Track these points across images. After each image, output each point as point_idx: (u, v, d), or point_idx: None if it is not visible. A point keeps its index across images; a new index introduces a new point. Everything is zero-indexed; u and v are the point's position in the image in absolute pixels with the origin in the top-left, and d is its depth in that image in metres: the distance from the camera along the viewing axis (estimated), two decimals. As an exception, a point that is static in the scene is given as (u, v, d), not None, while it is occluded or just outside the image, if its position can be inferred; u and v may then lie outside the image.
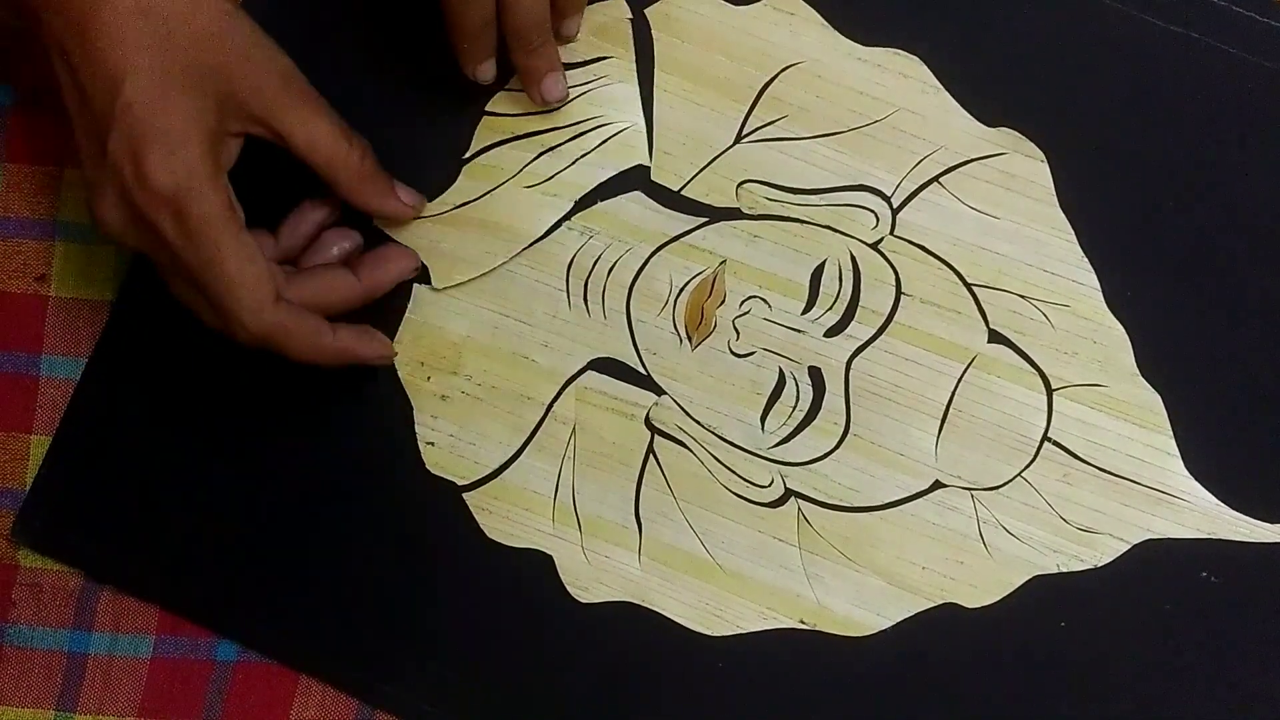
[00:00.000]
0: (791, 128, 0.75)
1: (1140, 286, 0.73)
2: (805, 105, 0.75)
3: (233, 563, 0.76)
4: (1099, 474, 0.72)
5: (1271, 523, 0.72)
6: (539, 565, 0.74)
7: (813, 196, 0.74)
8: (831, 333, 0.74)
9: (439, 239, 0.75)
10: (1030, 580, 0.72)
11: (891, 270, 0.74)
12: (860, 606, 0.73)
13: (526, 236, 0.75)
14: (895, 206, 0.74)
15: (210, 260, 0.68)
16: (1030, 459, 0.73)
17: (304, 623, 0.75)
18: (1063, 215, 0.74)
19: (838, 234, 0.74)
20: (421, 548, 0.75)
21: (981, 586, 0.72)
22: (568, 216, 0.75)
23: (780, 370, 0.74)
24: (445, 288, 0.75)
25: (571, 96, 0.75)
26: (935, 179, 0.74)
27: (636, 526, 0.74)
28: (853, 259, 0.74)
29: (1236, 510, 0.72)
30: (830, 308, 0.74)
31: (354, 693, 0.75)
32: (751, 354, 0.74)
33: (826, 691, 0.73)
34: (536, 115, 0.76)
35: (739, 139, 0.75)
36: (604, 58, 0.76)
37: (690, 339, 0.74)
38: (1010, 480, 0.73)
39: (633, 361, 0.75)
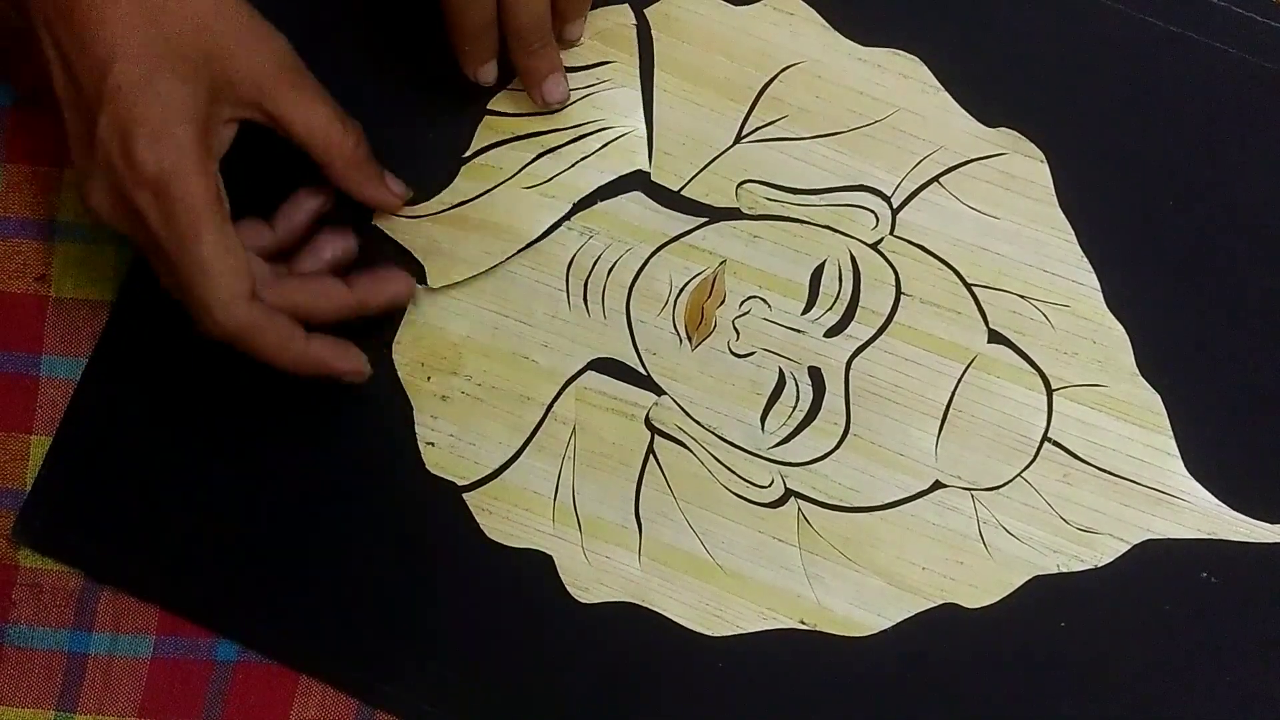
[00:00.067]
0: (791, 128, 0.75)
1: (1140, 286, 0.73)
2: (805, 105, 0.75)
3: (233, 563, 0.76)
4: (1099, 474, 0.72)
5: (1271, 523, 0.72)
6: (539, 565, 0.74)
7: (813, 197, 0.74)
8: (831, 333, 0.74)
9: (436, 238, 0.75)
10: (1030, 580, 0.72)
11: (891, 270, 0.74)
12: (860, 607, 0.73)
13: (524, 237, 0.75)
14: (895, 207, 0.74)
15: (187, 247, 0.67)
16: (1030, 459, 0.73)
17: (304, 623, 0.75)
18: (1062, 215, 0.74)
19: (838, 234, 0.74)
20: (421, 548, 0.75)
21: (981, 586, 0.72)
22: (567, 217, 0.75)
23: (780, 370, 0.74)
24: (440, 286, 0.75)
25: (573, 99, 0.75)
26: (935, 179, 0.74)
27: (636, 527, 0.74)
28: (853, 259, 0.74)
29: (1236, 510, 0.72)
30: (830, 308, 0.74)
31: (354, 693, 0.75)
32: (751, 354, 0.74)
33: (826, 691, 0.73)
34: (538, 116, 0.76)
35: (739, 139, 0.75)
36: (607, 62, 0.76)
37: (690, 339, 0.74)
38: (1010, 480, 0.73)
39: (633, 362, 0.75)
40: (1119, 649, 0.72)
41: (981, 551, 0.73)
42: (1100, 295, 0.73)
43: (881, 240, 0.74)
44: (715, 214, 0.75)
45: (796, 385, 0.74)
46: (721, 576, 0.74)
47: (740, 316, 0.74)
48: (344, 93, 0.72)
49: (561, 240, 0.75)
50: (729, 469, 0.74)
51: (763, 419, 0.74)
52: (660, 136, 0.75)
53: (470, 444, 0.75)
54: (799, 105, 0.75)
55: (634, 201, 0.75)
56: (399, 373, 0.75)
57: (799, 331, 0.74)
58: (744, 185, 0.75)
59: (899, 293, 0.74)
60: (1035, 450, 0.73)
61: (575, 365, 0.75)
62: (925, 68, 0.74)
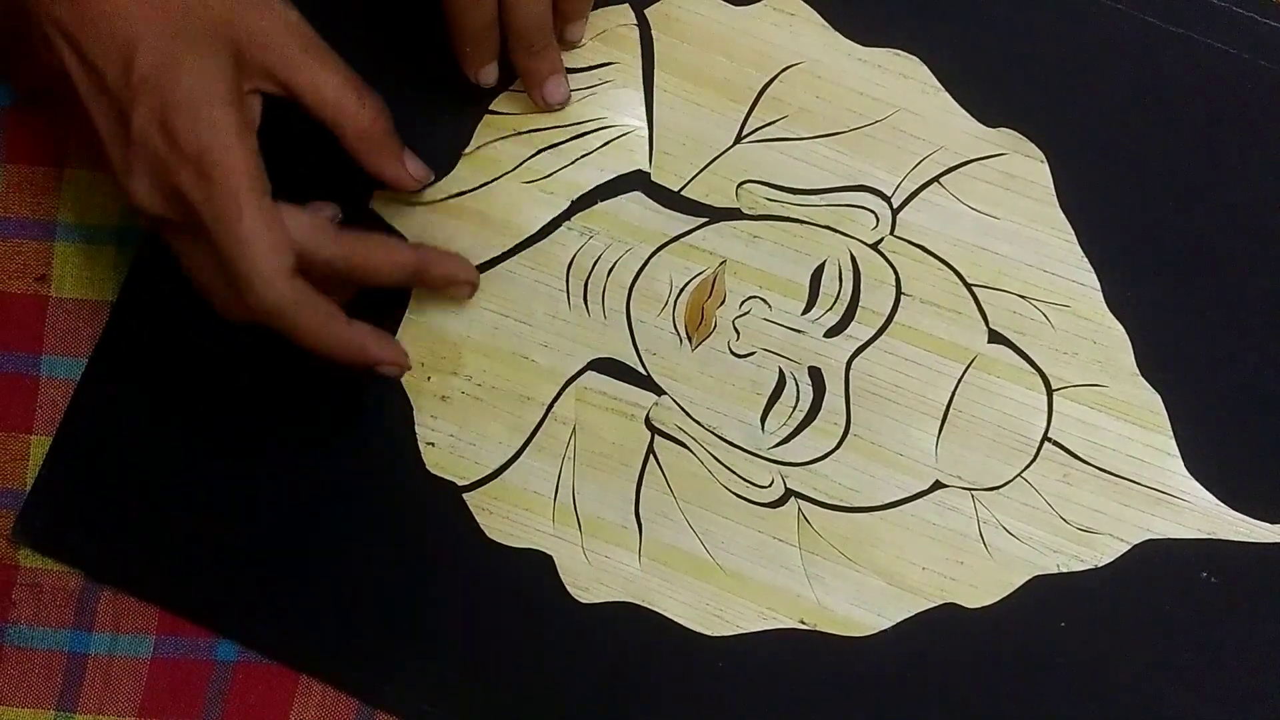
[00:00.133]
0: (792, 128, 0.75)
1: (1140, 286, 0.73)
2: (805, 106, 0.75)
3: (233, 563, 0.76)
4: (1099, 474, 0.73)
5: (1271, 523, 0.72)
6: (539, 565, 0.74)
7: (813, 197, 0.74)
8: (832, 333, 0.74)
9: (432, 226, 0.75)
10: (1030, 580, 0.72)
11: (891, 270, 0.74)
12: (860, 606, 0.73)
13: (520, 232, 0.75)
14: (895, 207, 0.74)
15: (229, 222, 0.66)
16: (1030, 459, 0.73)
17: (304, 623, 0.75)
18: (1063, 215, 0.74)
19: (838, 234, 0.74)
20: (421, 548, 0.75)
21: (981, 587, 0.72)
22: (566, 216, 0.75)
23: (780, 370, 0.74)
24: None
25: (574, 99, 0.75)
26: (935, 179, 0.74)
27: (636, 527, 0.74)
28: (853, 259, 0.74)
29: (1236, 510, 0.72)
30: (830, 308, 0.74)
31: (354, 693, 0.75)
32: (751, 354, 0.74)
33: (826, 691, 0.73)
34: (539, 114, 0.76)
35: (739, 139, 0.75)
36: (608, 63, 0.76)
37: (690, 339, 0.74)
38: (1010, 480, 0.73)
39: (633, 362, 0.75)
40: (1119, 649, 0.72)
41: (981, 551, 0.73)
42: (1100, 295, 0.73)
43: (882, 240, 0.74)
44: (715, 214, 0.75)
45: (796, 385, 0.74)
46: (721, 576, 0.74)
47: (740, 317, 0.74)
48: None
49: (562, 240, 0.75)
50: (729, 469, 0.74)
51: (763, 419, 0.74)
52: (660, 136, 0.75)
53: (470, 444, 0.75)
54: (799, 105, 0.75)
55: (634, 201, 0.75)
56: (399, 373, 0.76)
57: (799, 331, 0.74)
58: (744, 185, 0.75)
59: (899, 293, 0.74)
60: (1035, 450, 0.73)
61: (575, 365, 0.75)
62: (925, 68, 0.74)
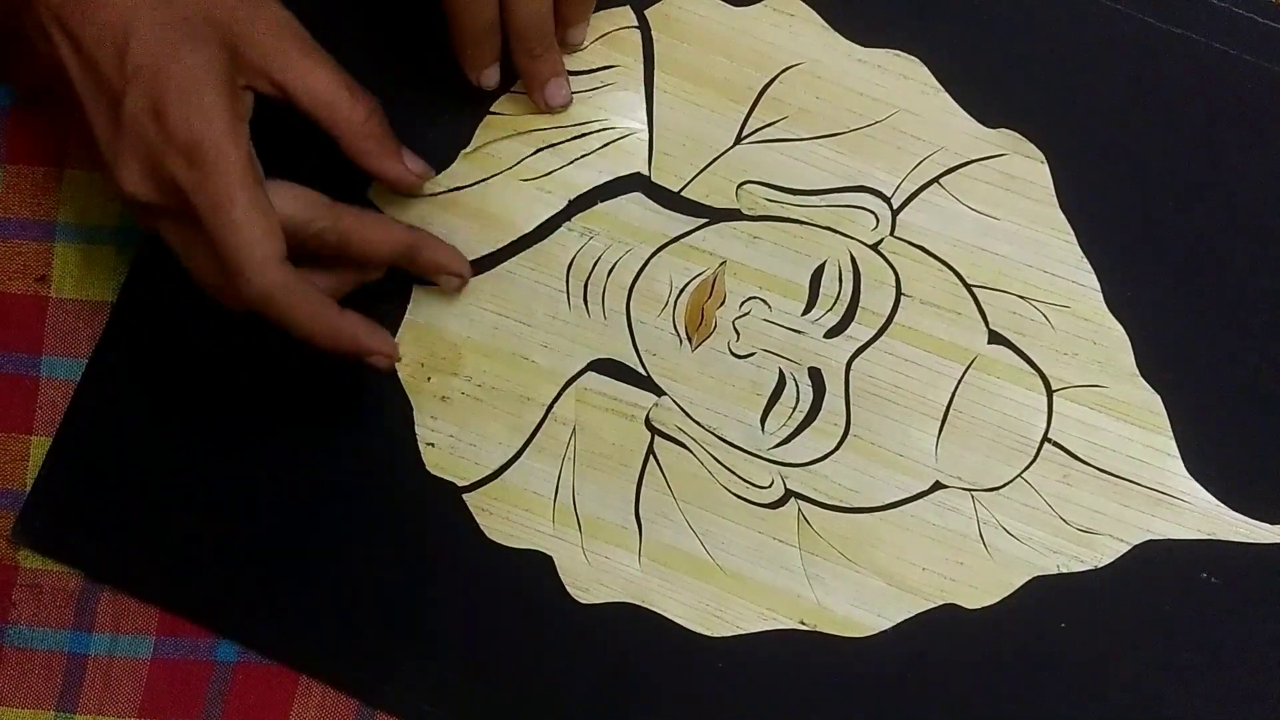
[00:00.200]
0: (792, 129, 0.75)
1: (1140, 286, 0.73)
2: (805, 106, 0.75)
3: (233, 563, 0.76)
4: (1099, 475, 0.73)
5: (1271, 523, 0.72)
6: (539, 566, 0.74)
7: (813, 197, 0.74)
8: (832, 334, 0.74)
9: (429, 221, 0.75)
10: (1030, 581, 0.72)
11: (891, 271, 0.74)
12: (860, 607, 0.73)
13: (517, 230, 0.75)
14: (895, 207, 0.74)
15: (220, 209, 0.66)
16: (1030, 460, 0.73)
17: (304, 623, 0.75)
18: (1062, 216, 0.74)
19: (838, 235, 0.74)
20: (421, 548, 0.75)
21: (981, 587, 0.72)
22: (565, 216, 0.75)
23: (780, 371, 0.74)
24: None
25: (575, 100, 0.75)
26: (935, 180, 0.74)
27: (636, 527, 0.74)
28: (853, 260, 0.74)
29: (1236, 510, 0.72)
30: (830, 309, 0.74)
31: (354, 693, 0.75)
32: (751, 355, 0.74)
33: (826, 692, 0.73)
34: (540, 115, 0.76)
35: (739, 140, 0.75)
36: (610, 66, 0.76)
37: (690, 340, 0.74)
38: (1010, 481, 0.73)
39: (633, 362, 0.75)
40: (1119, 649, 0.72)
41: (981, 552, 0.73)
42: (1100, 295, 0.73)
43: (881, 241, 0.74)
44: (715, 215, 0.75)
45: (797, 386, 0.74)
46: (721, 577, 0.74)
47: (740, 317, 0.74)
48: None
49: (561, 241, 0.75)
50: (729, 470, 0.74)
51: (763, 420, 0.74)
52: (660, 137, 0.75)
53: (470, 444, 0.75)
54: (799, 106, 0.75)
55: (634, 202, 0.75)
56: (399, 373, 0.75)
57: (799, 332, 0.74)
58: (744, 186, 0.75)
59: (899, 293, 0.74)
60: (1035, 451, 0.73)
61: (575, 366, 0.75)
62: (925, 68, 0.74)
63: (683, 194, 0.75)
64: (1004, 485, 0.73)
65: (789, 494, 0.73)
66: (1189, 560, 0.72)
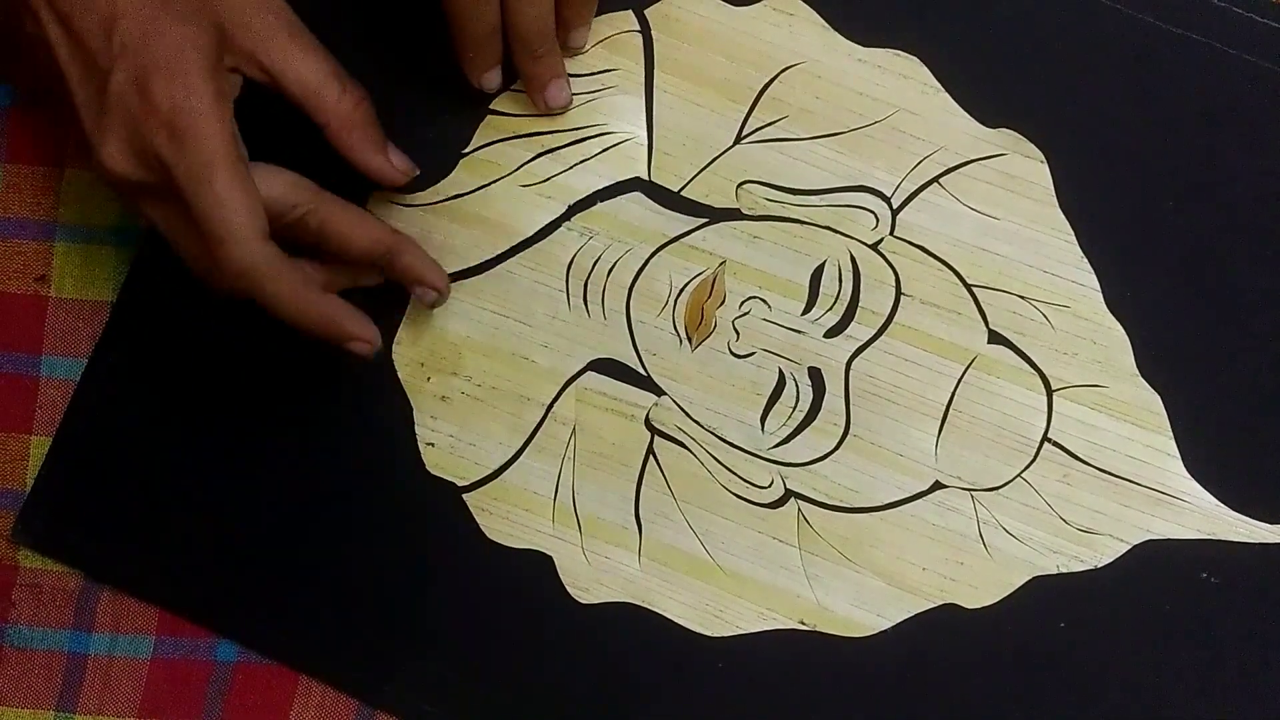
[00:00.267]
0: (791, 128, 0.75)
1: (1140, 286, 0.73)
2: (805, 106, 0.75)
3: (233, 563, 0.76)
4: (1099, 474, 0.73)
5: (1271, 523, 0.72)
6: (539, 566, 0.74)
7: (813, 197, 0.74)
8: (831, 333, 0.74)
9: (429, 228, 0.75)
10: (1030, 581, 0.72)
11: (891, 271, 0.74)
12: (860, 607, 0.73)
13: (517, 235, 0.75)
14: (895, 207, 0.74)
15: (202, 184, 0.66)
16: (1030, 460, 0.73)
17: (304, 623, 0.75)
18: (1062, 216, 0.74)
19: (838, 234, 0.74)
20: (421, 548, 0.75)
21: (981, 587, 0.72)
22: (565, 219, 0.75)
23: (780, 371, 0.74)
24: None
25: (576, 104, 0.75)
26: (935, 180, 0.74)
27: (636, 527, 0.74)
28: (852, 259, 0.74)
29: (1236, 510, 0.72)
30: (830, 308, 0.74)
31: (354, 693, 0.75)
32: (751, 355, 0.74)
33: (826, 692, 0.73)
34: (539, 118, 0.76)
35: (739, 140, 0.75)
36: (611, 69, 0.76)
37: (690, 340, 0.74)
38: (1010, 481, 0.73)
39: (632, 362, 0.75)
40: (1119, 649, 0.72)
41: (981, 552, 0.73)
42: (1100, 295, 0.73)
43: (881, 241, 0.74)
44: (715, 214, 0.75)
45: (796, 386, 0.74)
46: (721, 577, 0.74)
47: (740, 317, 0.74)
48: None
49: (561, 241, 0.75)
50: (729, 469, 0.74)
51: (763, 419, 0.74)
52: (660, 137, 0.75)
53: (470, 444, 0.75)
54: (799, 106, 0.75)
55: (634, 202, 0.75)
56: (399, 373, 0.75)
57: (799, 332, 0.74)
58: (744, 186, 0.75)
59: (899, 293, 0.74)
60: (1035, 451, 0.73)
61: (575, 366, 0.75)
62: (925, 68, 0.74)
63: (683, 194, 0.75)
64: (1004, 485, 0.73)
65: (789, 494, 0.73)
66: (1189, 560, 0.72)
